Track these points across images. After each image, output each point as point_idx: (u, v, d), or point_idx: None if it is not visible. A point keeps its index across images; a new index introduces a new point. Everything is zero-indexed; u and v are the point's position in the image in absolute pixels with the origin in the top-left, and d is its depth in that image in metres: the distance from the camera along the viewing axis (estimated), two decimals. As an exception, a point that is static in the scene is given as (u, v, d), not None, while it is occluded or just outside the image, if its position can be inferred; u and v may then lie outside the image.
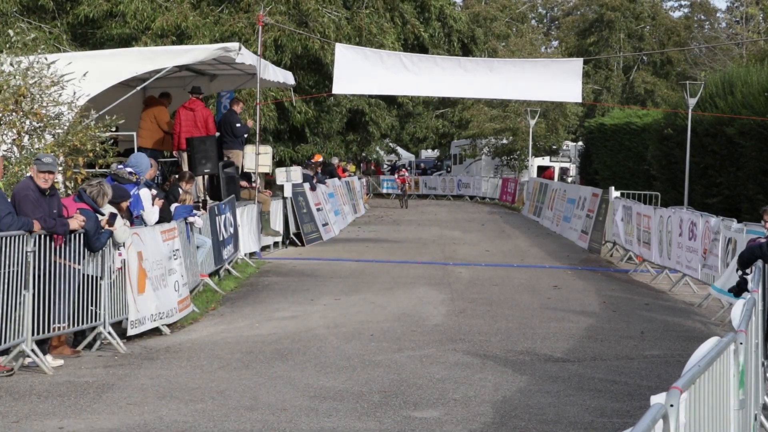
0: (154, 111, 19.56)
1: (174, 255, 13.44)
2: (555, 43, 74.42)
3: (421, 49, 35.00)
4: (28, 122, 13.79)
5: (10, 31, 15.21)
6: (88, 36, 29.44)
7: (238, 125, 21.10)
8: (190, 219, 15.00)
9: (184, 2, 28.73)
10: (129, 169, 13.37)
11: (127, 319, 12.29)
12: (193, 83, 21.87)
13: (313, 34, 28.23)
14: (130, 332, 11.96)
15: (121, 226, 11.59)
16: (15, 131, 13.69)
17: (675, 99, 38.52)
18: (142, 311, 12.17)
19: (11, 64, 13.91)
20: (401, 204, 45.15)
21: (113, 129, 15.35)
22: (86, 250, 11.04)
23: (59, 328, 10.75)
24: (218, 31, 28.41)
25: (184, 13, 28.13)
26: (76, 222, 10.77)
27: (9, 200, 10.35)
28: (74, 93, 14.34)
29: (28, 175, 10.97)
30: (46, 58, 14.49)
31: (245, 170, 21.58)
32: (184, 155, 19.40)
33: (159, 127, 19.52)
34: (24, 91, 13.64)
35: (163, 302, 12.71)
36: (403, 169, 50.00)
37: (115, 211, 11.71)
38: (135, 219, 13.07)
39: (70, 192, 13.70)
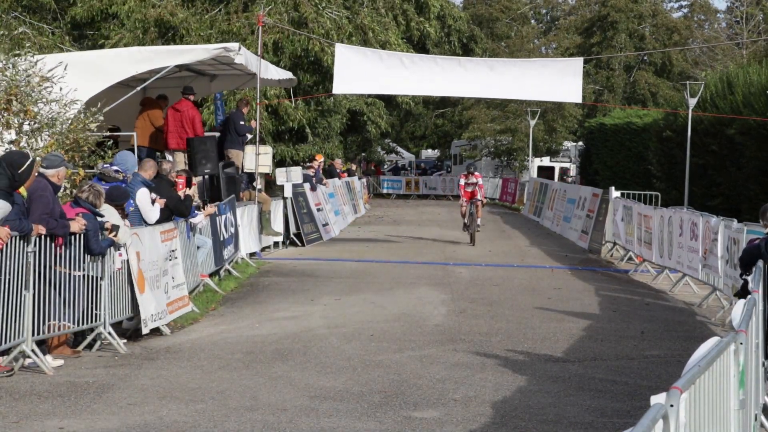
0: (149, 112, 19.55)
1: (170, 256, 13.42)
2: (554, 45, 74.38)
3: (424, 48, 35.05)
4: (26, 124, 13.77)
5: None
6: (86, 37, 29.47)
7: (241, 123, 21.10)
8: (192, 219, 15.00)
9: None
10: (115, 168, 13.33)
11: (128, 319, 12.33)
12: (192, 83, 21.87)
13: (312, 35, 28.25)
14: (144, 331, 12.15)
15: (122, 230, 11.60)
16: (12, 132, 13.66)
17: (676, 99, 38.57)
18: (147, 310, 12.22)
19: (2, 61, 13.90)
20: (470, 236, 25.50)
21: (101, 119, 15.24)
22: (86, 253, 11.03)
23: (59, 328, 10.76)
24: (216, 31, 28.42)
25: (171, 10, 28.07)
26: (77, 225, 10.76)
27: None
28: (60, 89, 14.30)
29: (38, 173, 10.88)
30: (33, 56, 14.44)
31: (245, 170, 21.58)
32: (178, 155, 19.28)
33: (152, 126, 19.51)
34: (14, 90, 13.62)
35: (159, 303, 12.71)
36: (475, 174, 26.23)
37: (118, 222, 11.70)
38: (128, 215, 13.04)
39: (70, 191, 13.69)
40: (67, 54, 18.79)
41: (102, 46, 27.19)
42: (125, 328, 12.47)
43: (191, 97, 19.62)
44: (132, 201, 13.29)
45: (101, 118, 15.06)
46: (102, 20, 28.84)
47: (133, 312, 12.30)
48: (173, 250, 13.56)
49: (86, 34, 29.43)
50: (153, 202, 13.74)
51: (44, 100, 14.07)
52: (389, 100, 43.34)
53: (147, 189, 13.66)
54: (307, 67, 30.53)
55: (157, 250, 12.88)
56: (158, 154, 19.45)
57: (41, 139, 13.85)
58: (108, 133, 17.11)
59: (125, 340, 11.92)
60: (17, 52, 14.22)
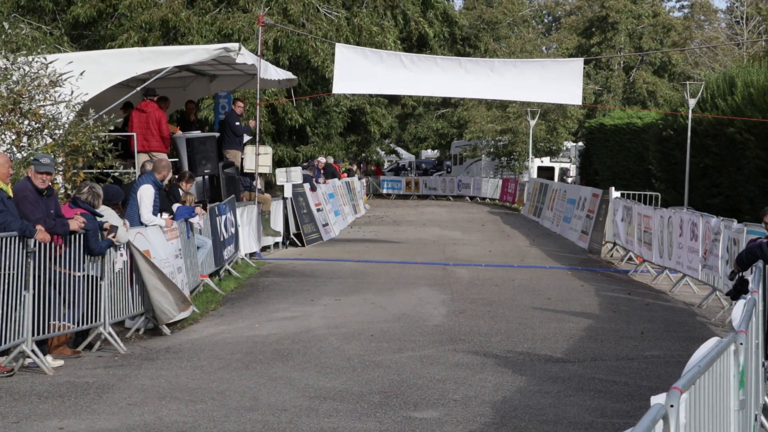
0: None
1: (179, 254, 13.48)
2: (555, 45, 74.41)
3: (423, 47, 35.02)
4: (26, 123, 13.78)
5: (5, 23, 15.17)
6: (84, 36, 29.46)
7: (237, 124, 21.05)
8: (191, 219, 15.01)
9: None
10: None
11: (130, 318, 12.37)
12: (192, 84, 21.87)
13: (310, 35, 28.24)
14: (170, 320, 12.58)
15: (120, 231, 11.62)
16: (14, 132, 13.68)
17: (676, 99, 38.60)
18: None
19: (6, 58, 13.91)
20: None
21: (112, 128, 15.34)
22: (86, 254, 11.04)
23: (60, 328, 10.76)
24: (216, 30, 28.42)
25: (174, 9, 28.07)
26: (76, 223, 10.76)
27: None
28: (72, 92, 14.34)
29: (25, 175, 10.97)
30: (45, 58, 14.50)
31: (245, 171, 21.56)
32: (141, 157, 18.86)
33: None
34: (22, 90, 13.65)
35: (176, 296, 12.75)
36: None
37: (117, 222, 11.71)
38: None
39: (70, 193, 13.70)
40: (67, 54, 18.79)
41: (101, 46, 27.18)
42: (128, 327, 12.49)
43: (154, 98, 19.12)
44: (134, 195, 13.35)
45: (111, 127, 15.13)
46: (102, 20, 28.84)
47: (136, 311, 12.33)
48: (180, 249, 13.60)
49: (85, 34, 29.42)
50: (160, 210, 13.79)
51: (52, 100, 14.09)
52: (392, 99, 43.30)
53: (153, 187, 13.63)
54: (304, 67, 30.54)
55: (165, 248, 12.92)
56: (152, 155, 19.43)
57: (41, 139, 13.86)
58: (110, 134, 17.12)
59: (132, 337, 11.93)
60: (24, 53, 14.25)
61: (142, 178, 13.81)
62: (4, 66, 13.98)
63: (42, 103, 13.94)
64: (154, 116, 18.52)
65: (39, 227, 10.19)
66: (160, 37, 27.75)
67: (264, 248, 22.13)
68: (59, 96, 14.20)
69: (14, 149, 13.65)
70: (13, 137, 13.71)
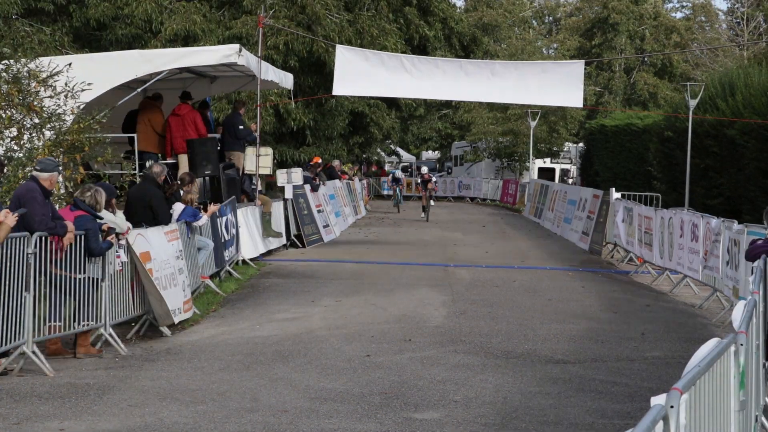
0: (147, 114, 19.53)
1: (179, 255, 13.49)
2: (556, 46, 74.44)
3: (423, 50, 35.06)
4: (28, 120, 13.80)
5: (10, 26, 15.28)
6: (92, 38, 29.47)
7: (240, 128, 21.07)
8: (195, 224, 15.03)
9: (191, 2, 28.76)
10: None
11: (137, 319, 12.43)
12: (193, 85, 21.86)
13: (316, 36, 28.26)
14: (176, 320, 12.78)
15: (114, 220, 11.70)
16: (15, 129, 13.69)
17: (677, 100, 38.60)
18: (173, 303, 12.60)
19: (8, 59, 13.97)
20: None
21: (104, 121, 15.34)
22: (86, 254, 11.05)
23: (59, 329, 10.76)
24: (225, 34, 28.48)
25: (191, 18, 28.21)
26: (68, 239, 10.73)
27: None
28: (66, 84, 14.34)
29: (30, 176, 10.98)
30: (50, 61, 14.54)
31: (246, 172, 21.57)
32: (181, 158, 19.25)
33: (153, 130, 19.48)
34: (17, 88, 13.65)
35: (172, 301, 12.75)
36: None
37: (112, 223, 11.74)
38: None
39: (71, 191, 13.70)
40: (68, 57, 18.81)
41: (113, 49, 27.23)
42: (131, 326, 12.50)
43: (189, 102, 19.61)
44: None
45: (104, 120, 15.12)
46: (110, 21, 28.90)
47: (137, 312, 12.35)
48: (180, 250, 13.62)
49: (93, 36, 29.43)
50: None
51: (51, 91, 14.11)
52: (392, 102, 43.31)
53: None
54: (308, 68, 30.54)
55: (165, 249, 12.93)
56: (159, 155, 19.47)
57: (42, 136, 13.86)
58: (109, 134, 17.14)
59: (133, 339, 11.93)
60: (20, 55, 14.30)
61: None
62: (4, 66, 14.00)
63: (41, 95, 13.95)
64: (189, 117, 19.33)
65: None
66: (180, 47, 27.94)
67: (269, 251, 22.10)
68: (55, 90, 14.21)
69: (15, 147, 13.65)
70: (15, 133, 13.70)
